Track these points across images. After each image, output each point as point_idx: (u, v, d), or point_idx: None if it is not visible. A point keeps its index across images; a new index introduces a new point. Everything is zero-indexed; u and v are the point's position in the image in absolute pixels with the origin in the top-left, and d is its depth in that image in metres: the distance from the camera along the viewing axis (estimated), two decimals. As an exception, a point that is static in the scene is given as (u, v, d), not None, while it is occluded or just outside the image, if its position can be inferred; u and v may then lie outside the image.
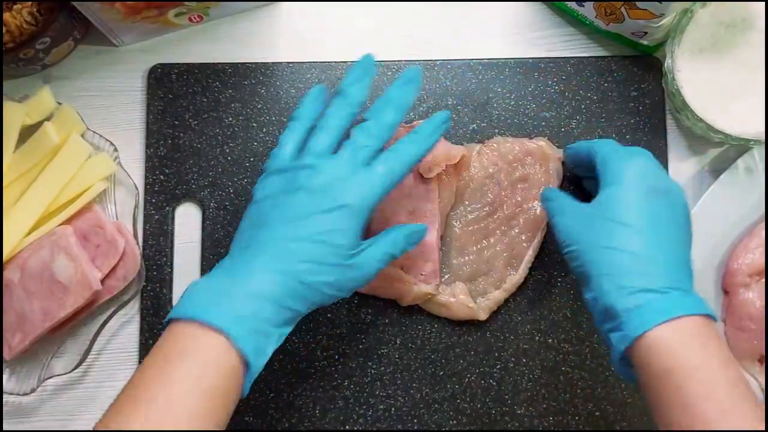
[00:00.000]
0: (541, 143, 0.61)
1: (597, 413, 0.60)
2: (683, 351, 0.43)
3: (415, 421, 0.60)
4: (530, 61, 0.64)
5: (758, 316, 0.58)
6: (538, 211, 0.60)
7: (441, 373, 0.61)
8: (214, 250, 0.62)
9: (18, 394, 0.58)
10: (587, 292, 0.48)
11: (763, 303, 0.58)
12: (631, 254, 0.46)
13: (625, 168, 0.49)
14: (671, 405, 0.43)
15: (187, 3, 0.60)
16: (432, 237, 0.58)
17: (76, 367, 0.59)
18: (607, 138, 0.61)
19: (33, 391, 0.58)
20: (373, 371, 0.61)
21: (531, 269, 0.61)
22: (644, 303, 0.45)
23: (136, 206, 0.61)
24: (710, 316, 0.46)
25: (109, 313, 0.59)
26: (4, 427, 0.61)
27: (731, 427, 0.41)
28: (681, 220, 0.49)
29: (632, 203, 0.48)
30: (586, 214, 0.49)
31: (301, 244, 0.47)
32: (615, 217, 0.47)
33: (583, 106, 0.64)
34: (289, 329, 0.48)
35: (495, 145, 0.61)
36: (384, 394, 0.61)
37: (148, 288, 0.62)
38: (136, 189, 0.61)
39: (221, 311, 0.45)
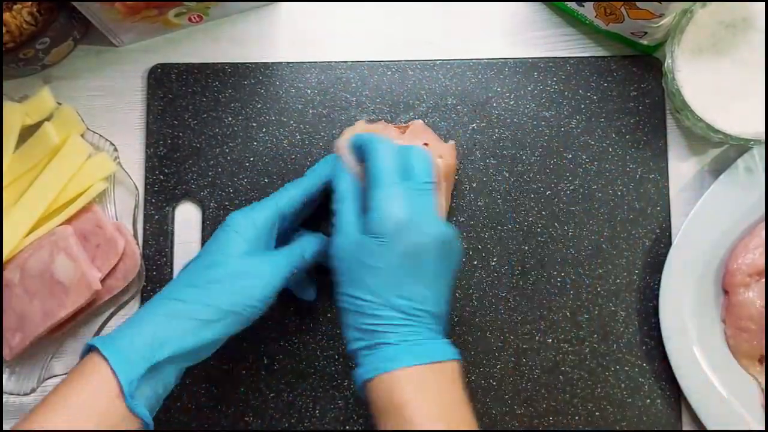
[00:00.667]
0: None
1: (597, 413, 0.60)
2: (400, 398, 0.46)
3: (415, 421, 0.60)
4: (530, 61, 0.64)
5: (758, 316, 0.58)
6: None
7: (441, 373, 0.61)
8: (214, 250, 0.62)
9: (18, 394, 0.58)
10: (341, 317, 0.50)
11: (763, 303, 0.58)
12: (371, 302, 0.48)
13: (382, 221, 0.48)
14: None
15: (187, 3, 0.60)
16: None
17: (76, 367, 0.59)
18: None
19: (33, 391, 0.58)
20: (373, 371, 0.61)
21: (531, 269, 0.62)
22: (376, 350, 0.48)
23: (136, 206, 0.61)
24: (449, 359, 0.48)
25: (109, 313, 0.59)
26: (5, 427, 0.61)
27: None
28: (438, 260, 0.49)
29: (386, 251, 0.48)
30: (355, 250, 0.49)
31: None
32: (367, 259, 0.48)
33: (582, 106, 0.64)
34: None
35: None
36: (384, 394, 0.61)
37: (148, 288, 0.62)
38: (136, 189, 0.61)
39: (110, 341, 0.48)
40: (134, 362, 0.47)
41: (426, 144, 0.59)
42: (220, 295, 0.50)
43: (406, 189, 0.49)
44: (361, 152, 0.52)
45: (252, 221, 0.53)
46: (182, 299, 0.49)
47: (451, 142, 0.61)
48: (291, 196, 0.55)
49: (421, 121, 0.62)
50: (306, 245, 0.54)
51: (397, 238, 0.48)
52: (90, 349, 0.48)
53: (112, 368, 0.46)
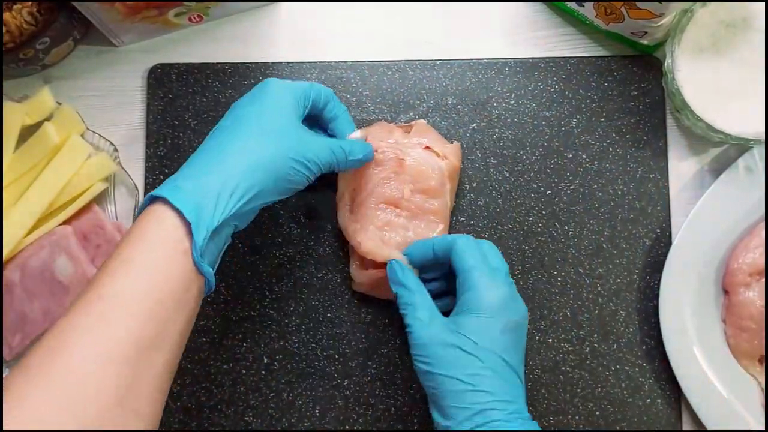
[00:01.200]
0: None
1: (597, 413, 0.60)
2: None
3: (415, 421, 0.60)
4: (530, 60, 0.64)
5: (758, 316, 0.58)
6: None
7: (441, 373, 0.61)
8: (214, 250, 0.62)
9: (18, 394, 0.58)
10: (432, 408, 0.49)
11: (764, 303, 0.58)
12: (477, 390, 0.47)
13: (484, 299, 0.50)
14: None
15: (187, 3, 0.60)
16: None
17: (76, 367, 0.59)
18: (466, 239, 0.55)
19: (33, 391, 0.58)
20: (373, 371, 0.61)
21: (531, 269, 0.62)
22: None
23: (136, 206, 0.61)
24: None
25: (109, 313, 0.59)
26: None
27: None
28: (522, 342, 0.51)
29: (487, 338, 0.49)
30: (444, 332, 0.49)
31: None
32: (469, 347, 0.48)
33: (583, 106, 0.64)
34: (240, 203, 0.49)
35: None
36: (384, 394, 0.61)
37: (148, 288, 0.62)
38: (136, 189, 0.61)
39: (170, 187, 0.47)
40: (207, 215, 0.46)
41: (428, 147, 0.59)
42: (287, 146, 0.51)
43: (496, 272, 0.51)
44: (420, 256, 0.55)
45: (291, 92, 0.54)
46: (250, 148, 0.49)
47: (456, 143, 0.61)
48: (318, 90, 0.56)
49: (424, 121, 0.62)
50: (347, 147, 0.55)
51: (500, 314, 0.49)
52: (152, 200, 0.47)
53: (185, 221, 0.45)
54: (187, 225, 0.45)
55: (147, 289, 0.44)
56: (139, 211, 0.48)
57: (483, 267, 0.51)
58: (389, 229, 0.58)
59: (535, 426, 0.48)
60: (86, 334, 0.42)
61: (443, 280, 0.57)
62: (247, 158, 0.49)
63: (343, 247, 0.62)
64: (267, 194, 0.50)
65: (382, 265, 0.56)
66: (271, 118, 0.52)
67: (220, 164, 0.49)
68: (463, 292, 0.51)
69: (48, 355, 0.41)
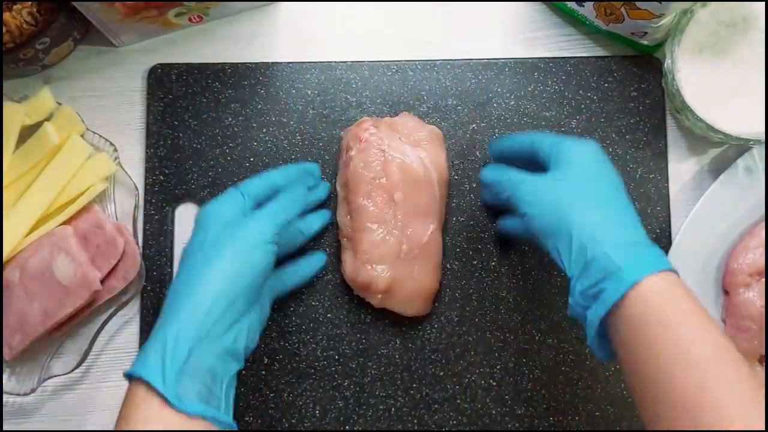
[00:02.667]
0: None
1: (597, 413, 0.60)
2: (674, 300, 0.44)
3: (415, 421, 0.60)
4: (530, 61, 0.64)
5: (758, 316, 0.58)
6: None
7: (441, 373, 0.61)
8: (214, 250, 0.62)
9: (18, 394, 0.58)
10: (568, 255, 0.47)
11: (764, 303, 0.58)
12: (614, 210, 0.48)
13: (580, 150, 0.51)
14: (663, 356, 0.43)
15: (187, 3, 0.60)
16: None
17: (76, 367, 0.59)
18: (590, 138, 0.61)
19: (33, 391, 0.58)
20: (373, 371, 0.61)
21: (531, 269, 0.62)
22: (636, 254, 0.45)
23: (136, 206, 0.61)
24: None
25: (109, 313, 0.59)
26: (4, 427, 0.61)
27: (727, 372, 0.42)
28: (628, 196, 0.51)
29: (599, 170, 0.50)
30: (554, 183, 0.50)
31: None
32: (588, 177, 0.50)
33: (583, 106, 0.64)
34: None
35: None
36: (384, 394, 0.61)
37: (148, 288, 0.62)
38: (136, 189, 0.61)
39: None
40: (163, 366, 0.45)
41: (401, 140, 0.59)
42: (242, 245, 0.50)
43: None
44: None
45: (216, 208, 0.53)
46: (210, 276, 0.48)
47: (431, 127, 0.61)
48: (254, 182, 0.55)
49: (407, 114, 0.61)
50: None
51: (597, 162, 0.51)
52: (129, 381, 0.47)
53: (144, 381, 0.44)
54: (152, 388, 0.44)
55: None
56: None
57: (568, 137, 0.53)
58: (384, 238, 0.58)
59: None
60: None
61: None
62: (208, 288, 0.48)
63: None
64: (243, 310, 0.49)
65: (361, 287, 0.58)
66: (215, 238, 0.50)
67: (173, 312, 0.47)
68: (554, 153, 0.51)
69: None
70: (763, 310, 0.58)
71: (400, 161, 0.58)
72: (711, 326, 0.43)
